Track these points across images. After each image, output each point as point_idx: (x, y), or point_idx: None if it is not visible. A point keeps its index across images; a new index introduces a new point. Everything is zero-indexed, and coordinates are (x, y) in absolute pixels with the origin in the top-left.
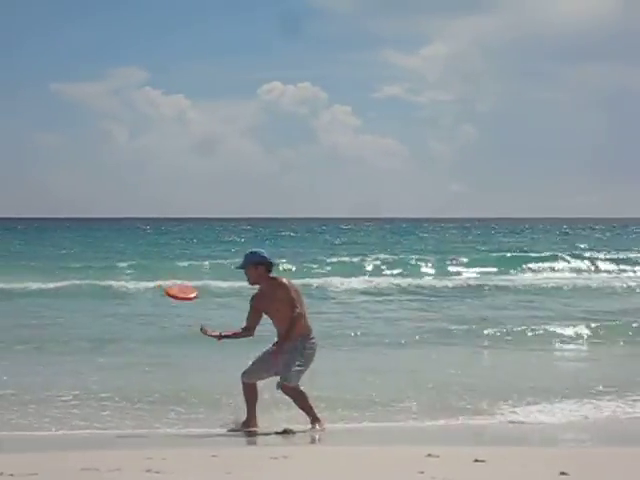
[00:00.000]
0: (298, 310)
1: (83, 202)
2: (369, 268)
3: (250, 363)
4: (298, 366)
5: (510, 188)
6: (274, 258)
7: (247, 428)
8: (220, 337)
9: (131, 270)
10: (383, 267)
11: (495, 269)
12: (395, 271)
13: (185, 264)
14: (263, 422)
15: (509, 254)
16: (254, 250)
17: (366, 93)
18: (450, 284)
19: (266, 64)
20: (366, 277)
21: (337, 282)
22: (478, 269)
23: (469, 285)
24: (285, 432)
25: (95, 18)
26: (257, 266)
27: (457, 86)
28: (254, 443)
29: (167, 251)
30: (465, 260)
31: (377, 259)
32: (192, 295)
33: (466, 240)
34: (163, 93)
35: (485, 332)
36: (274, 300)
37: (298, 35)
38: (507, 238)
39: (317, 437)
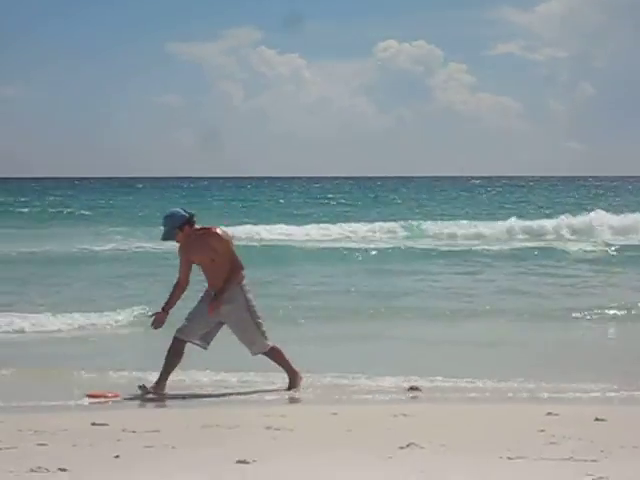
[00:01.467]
0: (235, 258)
1: (201, 162)
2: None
3: (185, 320)
4: (256, 322)
5: (628, 145)
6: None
7: (155, 392)
8: (165, 312)
9: None
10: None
11: None
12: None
13: None
14: (384, 381)
15: None
16: (170, 213)
17: (481, 51)
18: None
19: (381, 23)
20: None
21: None
22: None
23: None
24: (412, 389)
25: None
26: (182, 227)
27: (574, 43)
28: (375, 401)
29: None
30: None
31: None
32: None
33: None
34: (278, 52)
35: None
36: (207, 250)
37: None
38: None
39: (440, 395)
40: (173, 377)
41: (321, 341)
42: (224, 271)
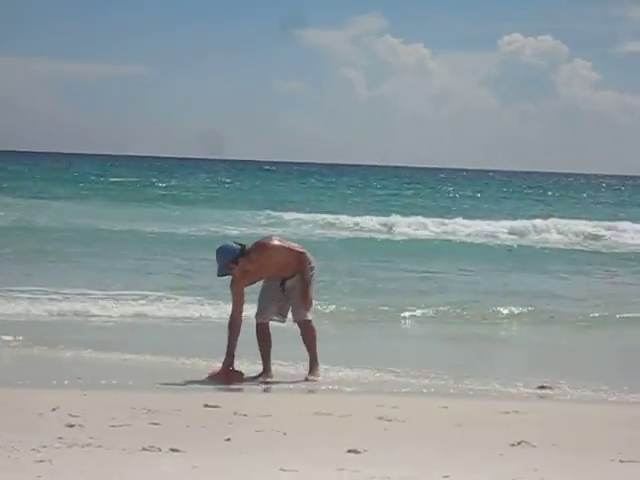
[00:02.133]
0: (301, 250)
1: (325, 147)
2: None
3: (258, 303)
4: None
5: None
6: None
7: (265, 379)
8: (230, 362)
9: None
10: None
11: None
12: None
13: None
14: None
15: None
16: (220, 249)
17: (608, 48)
18: None
19: (507, 15)
20: None
21: None
22: None
23: None
24: (541, 387)
25: None
26: (236, 261)
27: None
28: (486, 396)
29: None
30: None
31: None
32: None
33: None
34: (403, 42)
35: None
36: (272, 263)
37: None
38: None
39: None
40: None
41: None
42: (292, 266)
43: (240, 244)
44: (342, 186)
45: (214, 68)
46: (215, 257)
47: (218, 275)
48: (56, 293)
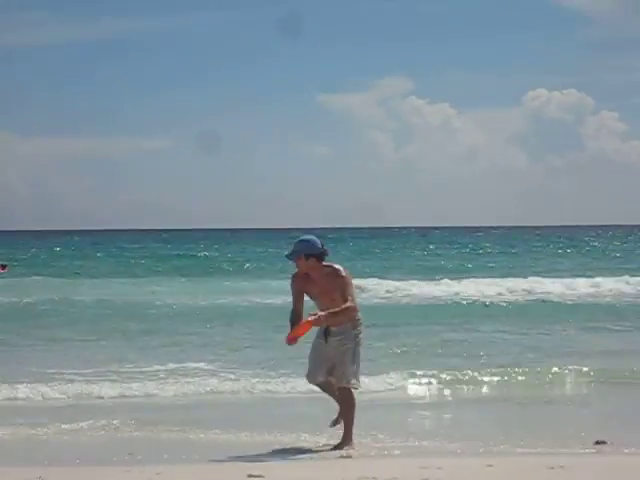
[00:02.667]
0: (352, 299)
1: (354, 211)
2: None
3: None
4: (355, 355)
5: None
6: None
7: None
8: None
9: None
10: None
11: None
12: None
13: None
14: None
15: None
16: (305, 238)
17: (634, 98)
18: None
19: (531, 70)
20: None
21: None
22: None
23: None
24: (598, 443)
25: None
26: (308, 257)
27: None
28: (531, 453)
29: None
30: None
31: None
32: None
33: None
34: (428, 102)
35: None
36: (331, 288)
37: (561, 40)
38: None
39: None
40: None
41: None
42: (337, 303)
43: (325, 248)
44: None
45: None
46: (297, 241)
47: (286, 255)
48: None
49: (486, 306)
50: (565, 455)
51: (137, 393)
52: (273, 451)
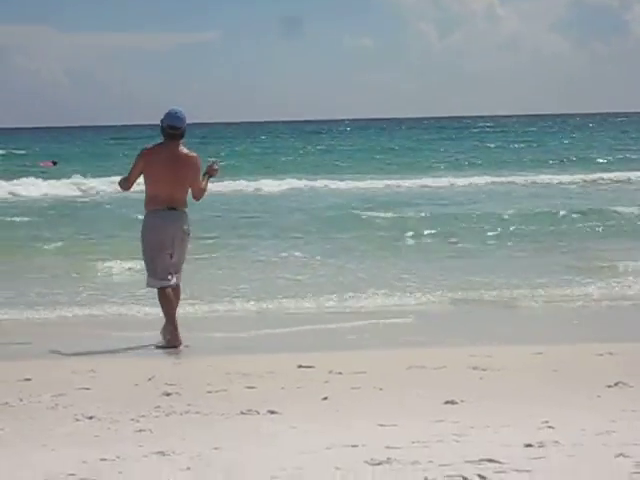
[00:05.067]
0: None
1: (401, 101)
2: None
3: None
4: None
5: None
6: None
7: (169, 345)
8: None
9: None
10: None
11: None
12: None
13: None
14: None
15: None
16: (183, 116)
17: None
18: None
19: None
20: None
21: None
22: None
23: None
24: None
25: None
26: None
27: None
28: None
29: None
30: None
31: None
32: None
33: None
34: None
35: None
36: (184, 168)
37: None
38: None
39: None
40: None
41: None
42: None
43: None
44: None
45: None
46: (181, 113)
47: (174, 125)
48: None
49: None
50: (610, 342)
51: None
52: (322, 341)
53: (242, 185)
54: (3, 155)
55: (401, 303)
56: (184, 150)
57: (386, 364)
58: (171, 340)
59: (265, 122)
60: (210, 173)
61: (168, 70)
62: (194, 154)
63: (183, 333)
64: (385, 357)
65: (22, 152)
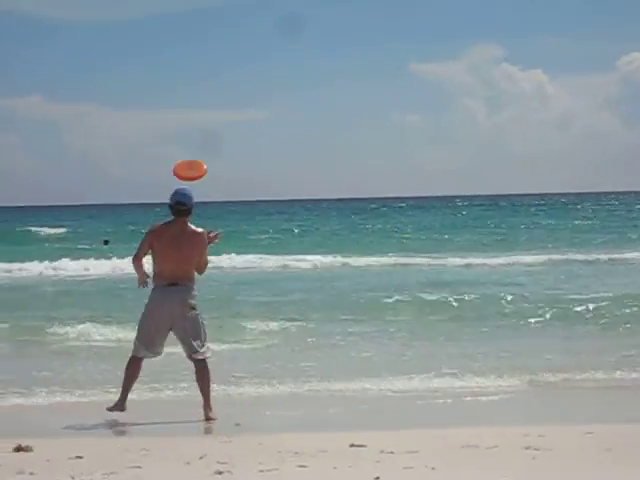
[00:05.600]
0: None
1: (449, 179)
2: None
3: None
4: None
5: None
6: None
7: (116, 409)
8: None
9: None
10: None
11: None
12: None
13: None
14: None
15: None
16: (190, 191)
17: None
18: None
19: (624, 35)
20: None
21: None
22: None
23: None
24: None
25: None
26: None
27: None
28: (634, 419)
29: None
30: None
31: None
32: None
33: None
34: (520, 69)
35: None
36: (187, 247)
37: None
38: None
39: None
40: None
41: None
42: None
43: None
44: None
45: (328, 102)
46: (188, 192)
47: (182, 202)
48: None
49: None
50: None
51: None
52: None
53: (330, 260)
54: (65, 233)
55: (450, 385)
56: (191, 227)
57: (439, 443)
58: (117, 405)
59: (316, 200)
60: (210, 241)
61: (219, 146)
62: (200, 230)
63: (235, 410)
64: (438, 436)
65: (80, 230)
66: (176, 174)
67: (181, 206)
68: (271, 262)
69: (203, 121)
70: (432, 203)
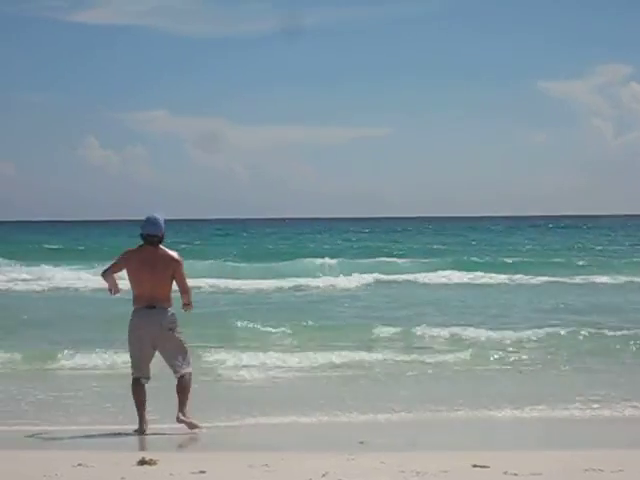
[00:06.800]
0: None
1: (575, 198)
2: None
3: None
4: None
5: None
6: None
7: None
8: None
9: None
10: None
11: None
12: None
13: None
14: None
15: None
16: (160, 218)
17: None
18: None
19: None
20: None
21: None
22: None
23: None
24: None
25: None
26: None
27: None
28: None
29: None
30: None
31: None
32: None
33: None
34: None
35: None
36: (162, 267)
37: None
38: None
39: None
40: None
41: None
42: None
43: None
44: None
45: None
46: (159, 219)
47: (150, 234)
48: None
49: None
50: None
51: None
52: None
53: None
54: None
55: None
56: (162, 251)
57: (563, 466)
58: (139, 428)
59: (434, 217)
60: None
61: (342, 163)
62: (173, 253)
63: (358, 431)
64: (562, 458)
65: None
66: None
67: (152, 238)
68: None
69: (327, 137)
70: (559, 221)
